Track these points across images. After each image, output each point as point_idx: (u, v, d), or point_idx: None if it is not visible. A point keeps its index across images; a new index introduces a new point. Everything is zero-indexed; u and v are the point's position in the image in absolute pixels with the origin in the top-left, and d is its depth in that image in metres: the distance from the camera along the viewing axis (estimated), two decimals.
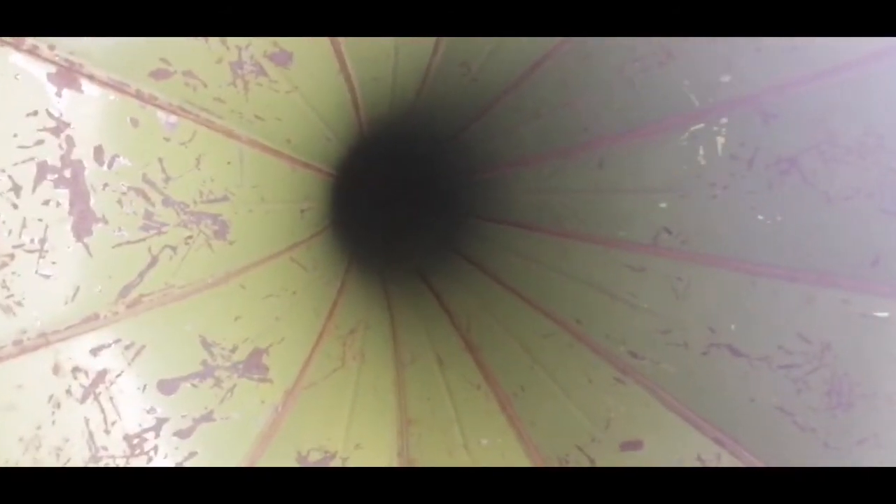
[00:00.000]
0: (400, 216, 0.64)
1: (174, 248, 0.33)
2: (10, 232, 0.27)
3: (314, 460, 0.38)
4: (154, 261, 0.32)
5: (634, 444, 0.41)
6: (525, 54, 0.45)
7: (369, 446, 0.41)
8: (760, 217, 0.38)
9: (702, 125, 0.40)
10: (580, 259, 0.47)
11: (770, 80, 0.36)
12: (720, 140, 0.39)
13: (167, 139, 0.32)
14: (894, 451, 0.36)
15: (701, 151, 0.40)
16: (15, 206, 0.27)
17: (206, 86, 0.33)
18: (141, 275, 0.32)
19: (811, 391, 0.37)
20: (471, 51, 0.44)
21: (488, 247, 0.57)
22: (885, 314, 0.36)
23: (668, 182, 0.42)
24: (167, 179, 0.32)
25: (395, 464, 0.42)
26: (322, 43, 0.38)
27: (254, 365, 0.38)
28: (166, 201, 0.32)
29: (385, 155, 0.57)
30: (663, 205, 0.42)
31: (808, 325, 0.37)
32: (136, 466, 0.33)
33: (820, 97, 0.35)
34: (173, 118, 0.32)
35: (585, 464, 0.41)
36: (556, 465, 0.42)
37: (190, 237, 0.34)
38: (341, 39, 0.38)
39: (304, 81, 0.39)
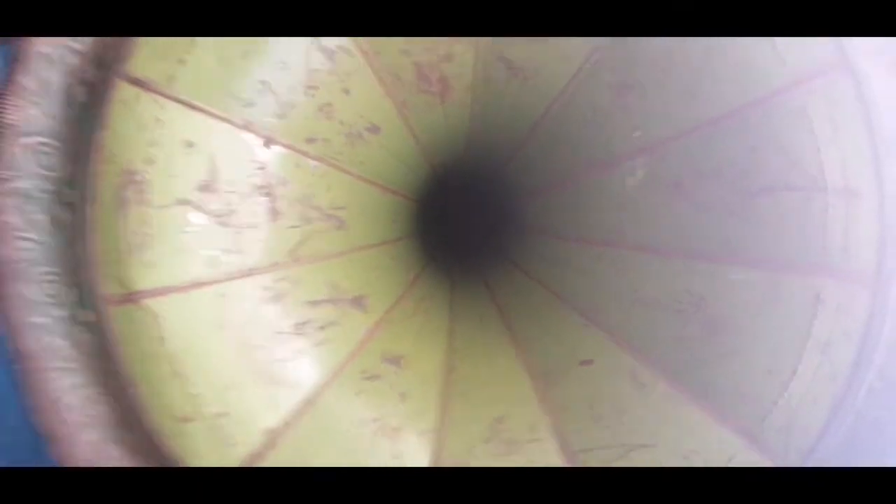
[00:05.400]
0: (467, 233, 0.91)
1: (321, 233, 0.62)
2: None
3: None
4: (307, 236, 0.62)
5: None
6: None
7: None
8: None
9: None
10: None
11: None
12: None
13: (314, 175, 0.62)
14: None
15: None
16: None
17: (331, 144, 0.62)
18: (300, 243, 0.61)
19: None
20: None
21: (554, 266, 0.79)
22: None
23: None
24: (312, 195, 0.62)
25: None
26: (398, 124, 0.66)
27: (358, 303, 0.66)
28: (316, 208, 0.62)
29: (452, 182, 0.85)
30: None
31: None
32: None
33: None
34: (316, 163, 0.62)
35: None
36: None
37: (327, 228, 0.63)
38: (413, 122, 0.66)
39: (388, 141, 0.68)
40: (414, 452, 0.59)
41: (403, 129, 0.67)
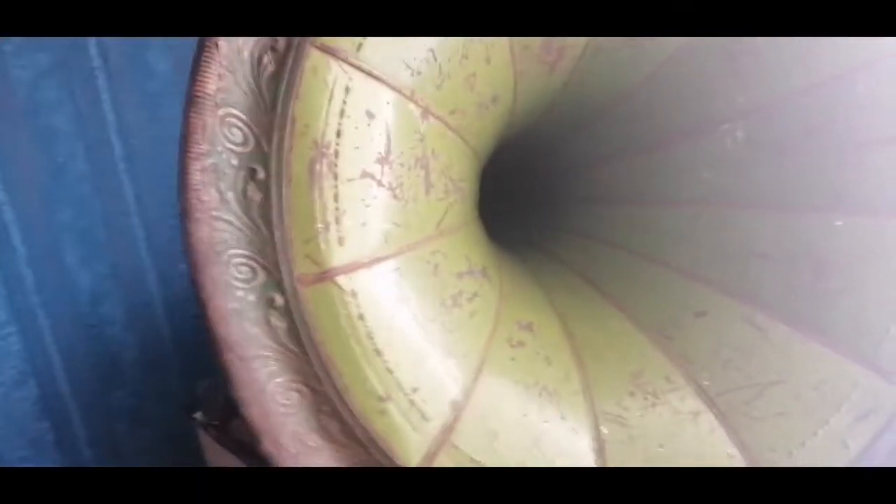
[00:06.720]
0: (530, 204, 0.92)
1: (454, 204, 0.62)
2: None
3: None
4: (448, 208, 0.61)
5: None
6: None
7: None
8: None
9: None
10: None
11: None
12: None
13: (452, 146, 0.61)
14: None
15: None
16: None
17: (466, 115, 0.62)
18: (444, 215, 0.61)
19: None
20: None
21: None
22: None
23: None
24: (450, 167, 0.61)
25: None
26: (511, 93, 0.67)
27: (485, 274, 0.66)
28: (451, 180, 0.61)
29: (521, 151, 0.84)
30: None
31: None
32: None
33: None
34: (454, 134, 0.61)
35: None
36: None
37: (457, 200, 0.63)
38: (520, 90, 0.67)
39: (498, 111, 0.68)
40: (575, 412, 0.61)
41: (511, 98, 0.67)
